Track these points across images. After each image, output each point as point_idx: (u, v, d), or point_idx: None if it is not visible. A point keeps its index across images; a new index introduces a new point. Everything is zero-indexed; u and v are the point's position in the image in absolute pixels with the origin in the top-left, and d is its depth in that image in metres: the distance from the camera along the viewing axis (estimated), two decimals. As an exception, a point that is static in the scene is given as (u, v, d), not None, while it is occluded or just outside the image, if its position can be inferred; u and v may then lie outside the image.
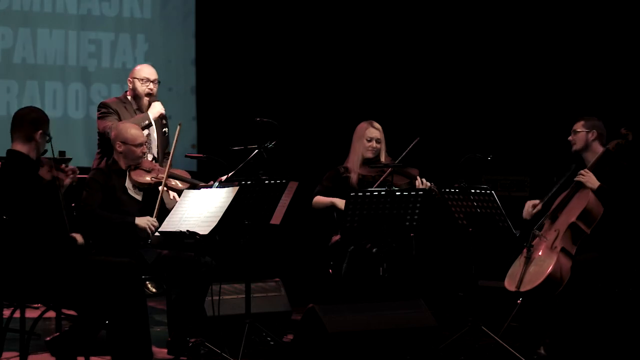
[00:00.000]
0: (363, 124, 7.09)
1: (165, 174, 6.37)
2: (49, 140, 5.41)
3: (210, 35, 9.84)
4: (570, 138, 6.43)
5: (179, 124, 6.57)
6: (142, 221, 6.17)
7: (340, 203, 6.73)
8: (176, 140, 6.56)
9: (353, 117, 7.49)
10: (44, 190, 5.35)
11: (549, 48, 9.23)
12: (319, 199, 7.00)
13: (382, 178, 6.85)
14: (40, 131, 5.39)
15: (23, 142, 5.38)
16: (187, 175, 6.60)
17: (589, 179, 6.18)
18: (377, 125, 7.07)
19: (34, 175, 5.34)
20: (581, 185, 6.21)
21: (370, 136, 7.00)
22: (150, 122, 6.90)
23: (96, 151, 7.05)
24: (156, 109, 6.99)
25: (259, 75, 9.84)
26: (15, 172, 5.34)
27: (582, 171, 6.24)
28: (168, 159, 7.04)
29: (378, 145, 7.01)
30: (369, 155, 7.00)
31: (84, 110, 9.34)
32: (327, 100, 9.83)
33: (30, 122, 5.40)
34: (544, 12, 9.27)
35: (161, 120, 7.04)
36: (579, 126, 6.40)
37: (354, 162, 7.01)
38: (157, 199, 6.27)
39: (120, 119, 6.88)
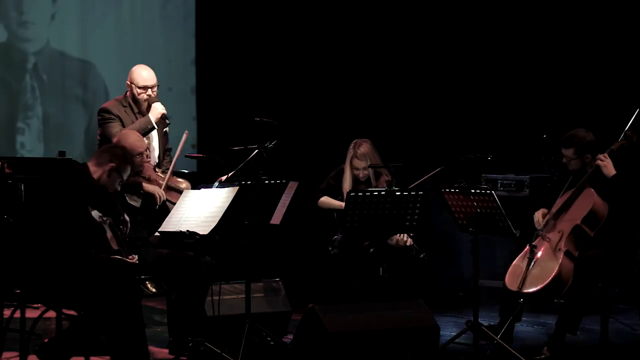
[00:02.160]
0: (351, 149, 7.02)
1: (165, 182, 6.35)
2: (121, 182, 5.62)
3: (210, 35, 9.83)
4: (564, 161, 6.37)
5: (186, 132, 6.58)
6: (151, 187, 6.16)
7: None
8: (180, 149, 6.53)
9: (353, 116, 7.49)
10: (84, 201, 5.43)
11: (550, 47, 9.22)
12: (327, 200, 6.97)
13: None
14: (113, 165, 5.54)
15: (94, 164, 5.56)
16: (188, 186, 6.54)
17: (607, 164, 6.14)
18: (362, 150, 6.94)
19: (78, 180, 5.43)
20: (585, 186, 6.19)
21: (356, 167, 6.98)
22: (153, 126, 6.76)
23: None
24: (157, 111, 6.79)
25: (259, 75, 9.84)
26: (64, 176, 5.47)
27: (601, 155, 6.19)
28: (168, 157, 7.04)
29: (365, 172, 6.98)
30: (360, 179, 7.01)
31: (84, 110, 9.33)
32: (327, 100, 9.82)
33: (110, 153, 5.59)
34: (543, 11, 9.27)
35: (164, 120, 6.91)
36: (571, 153, 6.31)
37: (347, 182, 6.99)
38: (155, 208, 6.25)
39: (122, 124, 6.77)
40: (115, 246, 5.58)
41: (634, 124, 6.27)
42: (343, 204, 6.80)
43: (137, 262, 5.64)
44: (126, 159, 5.62)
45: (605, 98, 8.66)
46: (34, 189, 5.50)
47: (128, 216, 6.07)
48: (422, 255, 6.52)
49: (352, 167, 6.98)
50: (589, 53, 9.00)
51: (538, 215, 6.35)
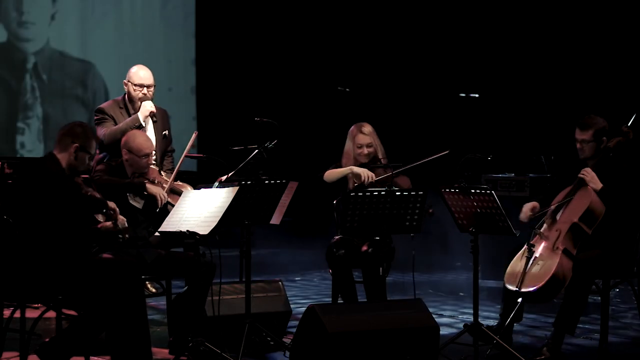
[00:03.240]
0: (353, 129, 6.98)
1: (169, 185, 6.36)
2: (91, 159, 5.57)
3: (210, 35, 9.85)
4: (578, 147, 6.26)
5: (195, 133, 6.61)
6: (154, 188, 6.17)
7: (358, 170, 6.69)
8: (187, 150, 6.55)
9: (353, 116, 7.46)
10: (64, 192, 5.40)
11: (550, 49, 9.23)
12: (331, 171, 6.88)
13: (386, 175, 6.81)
14: (76, 145, 5.50)
15: (59, 150, 5.53)
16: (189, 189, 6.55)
17: (592, 178, 6.14)
18: (366, 129, 6.93)
19: (50, 179, 5.40)
20: (583, 184, 6.19)
21: (360, 143, 6.90)
22: (141, 124, 6.79)
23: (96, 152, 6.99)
24: (145, 108, 6.84)
25: (259, 75, 9.85)
26: (35, 173, 5.45)
27: (584, 170, 6.18)
28: (169, 159, 7.05)
29: (370, 150, 6.92)
30: (363, 160, 6.94)
31: (84, 110, 9.34)
32: (327, 100, 9.83)
33: (71, 134, 5.53)
34: (544, 13, 9.27)
35: (152, 118, 6.91)
36: (588, 136, 6.22)
37: (351, 160, 6.95)
38: (156, 209, 6.26)
39: (115, 124, 6.81)
40: (101, 219, 5.61)
41: (633, 123, 6.26)
42: (346, 169, 6.77)
43: (126, 225, 5.66)
44: (87, 135, 5.58)
45: (605, 98, 8.66)
46: (13, 191, 5.47)
47: (129, 216, 6.09)
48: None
49: (356, 146, 6.91)
50: (588, 54, 9.01)
51: (527, 207, 6.32)
